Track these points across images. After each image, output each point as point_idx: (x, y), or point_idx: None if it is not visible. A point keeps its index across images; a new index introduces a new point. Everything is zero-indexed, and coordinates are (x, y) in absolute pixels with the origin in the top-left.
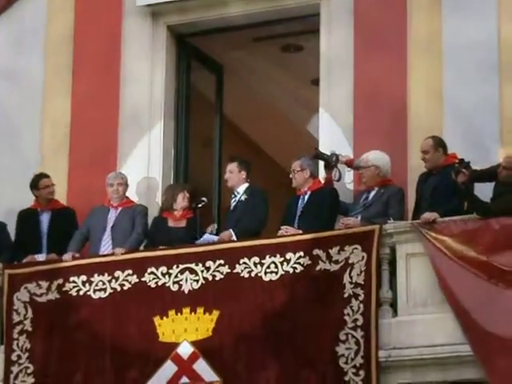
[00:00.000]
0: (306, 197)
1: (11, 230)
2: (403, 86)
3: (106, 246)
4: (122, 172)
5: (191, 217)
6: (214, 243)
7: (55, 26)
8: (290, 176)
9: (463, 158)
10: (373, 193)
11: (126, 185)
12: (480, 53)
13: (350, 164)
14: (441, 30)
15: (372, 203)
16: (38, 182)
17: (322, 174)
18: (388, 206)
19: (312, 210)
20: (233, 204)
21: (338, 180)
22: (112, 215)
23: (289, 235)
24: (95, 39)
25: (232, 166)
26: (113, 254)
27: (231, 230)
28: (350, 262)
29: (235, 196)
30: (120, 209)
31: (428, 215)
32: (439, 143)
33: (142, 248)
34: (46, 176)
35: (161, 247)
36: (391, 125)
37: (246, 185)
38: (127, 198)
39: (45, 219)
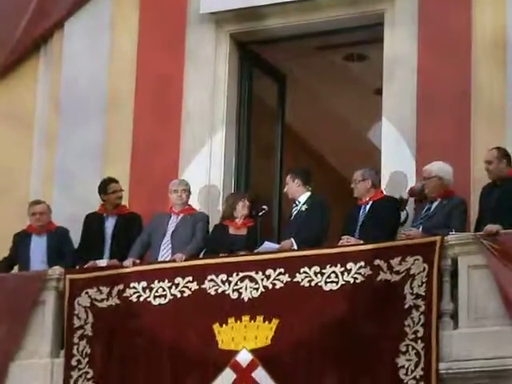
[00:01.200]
0: (368, 207)
1: (73, 235)
2: (467, 95)
3: (164, 251)
4: (184, 179)
5: (252, 225)
6: (274, 251)
7: (118, 31)
8: (352, 186)
9: None
10: (435, 204)
11: (189, 192)
12: None
13: (412, 193)
14: (506, 33)
15: (434, 214)
16: (107, 187)
17: (383, 185)
18: (450, 218)
19: (373, 220)
20: (294, 213)
21: (405, 222)
22: (173, 221)
23: (350, 245)
24: (158, 46)
25: (287, 179)
26: (173, 261)
27: (292, 239)
28: (411, 272)
29: (296, 205)
30: (181, 215)
31: (491, 227)
32: (504, 154)
33: (201, 255)
34: (115, 181)
35: (221, 255)
36: (455, 134)
37: (308, 194)
38: (189, 205)
39: (110, 224)
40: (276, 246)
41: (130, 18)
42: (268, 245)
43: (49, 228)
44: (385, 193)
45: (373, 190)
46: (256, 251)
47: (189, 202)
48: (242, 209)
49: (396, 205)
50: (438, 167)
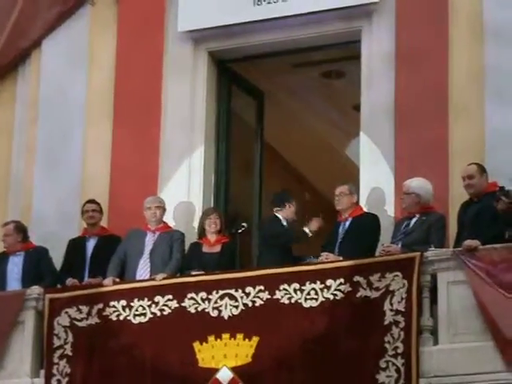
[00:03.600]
0: (348, 223)
1: (54, 254)
2: (445, 110)
3: (143, 269)
4: (160, 196)
5: (226, 242)
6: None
7: (97, 50)
8: (336, 199)
9: (503, 186)
10: (414, 220)
11: (164, 209)
12: None
13: None
14: (483, 54)
15: (413, 230)
16: (83, 207)
17: (362, 202)
18: (429, 234)
19: (353, 237)
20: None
21: None
22: (150, 239)
23: (329, 261)
24: (137, 64)
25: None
26: (153, 279)
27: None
28: (390, 289)
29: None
30: (158, 233)
31: (470, 242)
32: (483, 169)
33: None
34: (91, 202)
35: (201, 272)
36: (433, 150)
37: None
38: (164, 222)
39: (91, 245)
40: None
41: (108, 36)
42: None
43: (26, 247)
44: (364, 209)
45: (354, 206)
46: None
47: (168, 219)
48: (208, 226)
49: (376, 221)
50: (417, 184)
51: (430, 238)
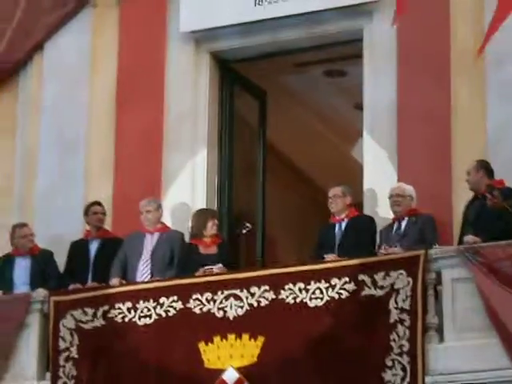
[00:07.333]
0: (344, 224)
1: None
2: (447, 109)
3: (143, 271)
4: (154, 198)
5: (221, 243)
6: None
7: (99, 51)
8: (330, 201)
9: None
10: (404, 222)
11: (157, 211)
12: None
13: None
14: (485, 51)
15: (407, 232)
16: (89, 209)
17: (365, 201)
18: (423, 233)
19: (352, 238)
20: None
21: None
22: (149, 240)
23: (334, 260)
24: (139, 66)
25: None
26: (157, 281)
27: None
28: (395, 287)
29: None
30: (156, 234)
31: (470, 238)
32: (482, 165)
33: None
34: (98, 204)
35: (206, 273)
36: (435, 149)
37: None
38: (162, 223)
39: (93, 247)
40: None
41: (110, 37)
42: None
43: (32, 250)
44: (366, 207)
45: (348, 208)
46: None
47: (172, 222)
48: (211, 228)
49: (373, 222)
50: (410, 188)
51: (425, 238)
